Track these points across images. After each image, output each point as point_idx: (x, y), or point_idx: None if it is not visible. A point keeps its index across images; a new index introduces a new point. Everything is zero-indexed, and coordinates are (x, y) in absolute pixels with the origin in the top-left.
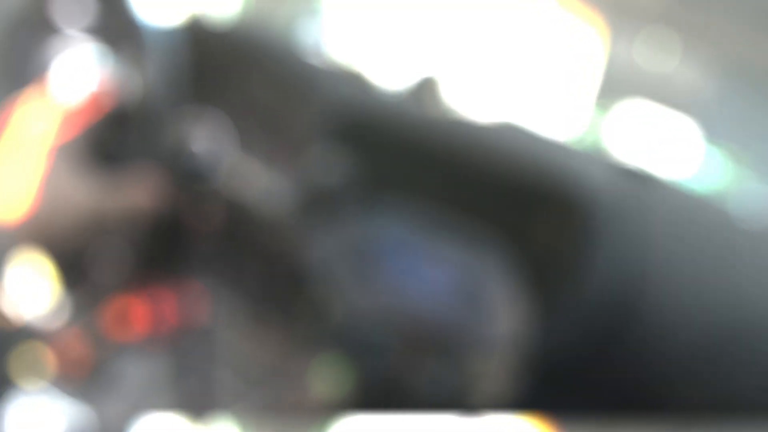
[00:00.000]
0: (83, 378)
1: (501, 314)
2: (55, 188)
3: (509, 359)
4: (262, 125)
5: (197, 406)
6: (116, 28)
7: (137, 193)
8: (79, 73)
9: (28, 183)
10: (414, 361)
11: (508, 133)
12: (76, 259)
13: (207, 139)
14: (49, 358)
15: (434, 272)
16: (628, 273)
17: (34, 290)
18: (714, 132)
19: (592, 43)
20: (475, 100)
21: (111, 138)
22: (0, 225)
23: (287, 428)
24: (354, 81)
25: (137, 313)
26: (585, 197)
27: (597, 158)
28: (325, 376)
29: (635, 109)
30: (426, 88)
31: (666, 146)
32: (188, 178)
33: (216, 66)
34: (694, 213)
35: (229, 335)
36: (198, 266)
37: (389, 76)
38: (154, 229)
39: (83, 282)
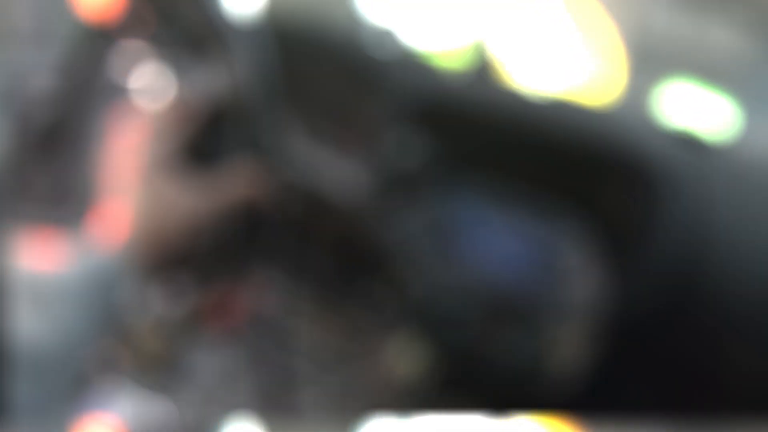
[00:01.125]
0: (159, 373)
1: (575, 281)
2: (159, 198)
3: (585, 324)
4: (333, 114)
5: (272, 396)
6: (199, 29)
7: (236, 189)
8: (165, 79)
9: (132, 198)
10: (493, 332)
11: (569, 105)
12: (173, 261)
13: (286, 135)
14: (124, 355)
15: (510, 244)
16: (692, 237)
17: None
18: (756, 95)
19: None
20: (534, 75)
21: (205, 139)
22: (109, 244)
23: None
24: (422, 66)
25: (212, 306)
26: (645, 163)
27: (654, 125)
28: (402, 355)
29: (680, 75)
30: (489, 68)
31: (713, 111)
32: (280, 171)
33: (287, 59)
34: (753, 175)
35: (301, 323)
36: (270, 257)
37: (454, 57)
38: (232, 223)
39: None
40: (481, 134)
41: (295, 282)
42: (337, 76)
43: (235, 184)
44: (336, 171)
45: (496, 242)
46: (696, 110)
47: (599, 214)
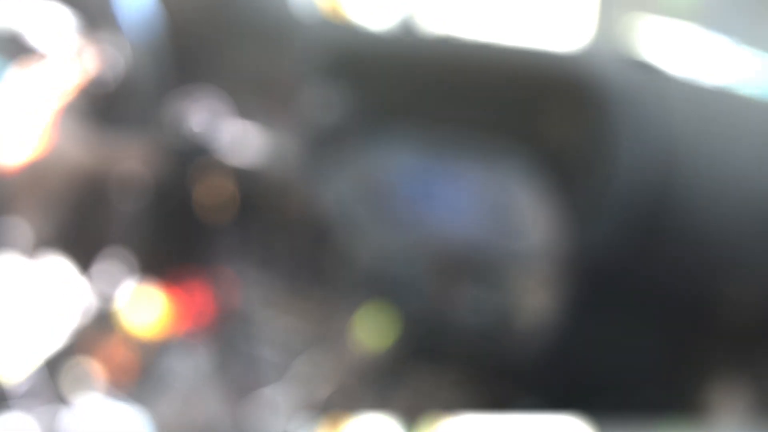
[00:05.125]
0: (132, 383)
1: (530, 225)
2: (55, 143)
3: (547, 271)
4: (251, 86)
5: (245, 389)
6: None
7: (130, 160)
8: (68, 45)
9: (30, 136)
10: (452, 291)
11: (503, 35)
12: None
13: (202, 114)
14: (96, 369)
15: (454, 193)
16: (654, 164)
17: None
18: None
19: None
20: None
21: (106, 106)
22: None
23: None
24: (337, 19)
25: (177, 308)
26: (595, 88)
27: (605, 51)
28: (368, 329)
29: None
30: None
31: (676, 42)
32: (189, 153)
33: (196, 39)
34: (713, 100)
35: (265, 312)
36: (224, 251)
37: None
38: (174, 217)
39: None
40: (408, 80)
41: (256, 273)
42: (251, 42)
43: (131, 157)
44: (265, 144)
45: (438, 192)
46: (651, 39)
47: (546, 147)
